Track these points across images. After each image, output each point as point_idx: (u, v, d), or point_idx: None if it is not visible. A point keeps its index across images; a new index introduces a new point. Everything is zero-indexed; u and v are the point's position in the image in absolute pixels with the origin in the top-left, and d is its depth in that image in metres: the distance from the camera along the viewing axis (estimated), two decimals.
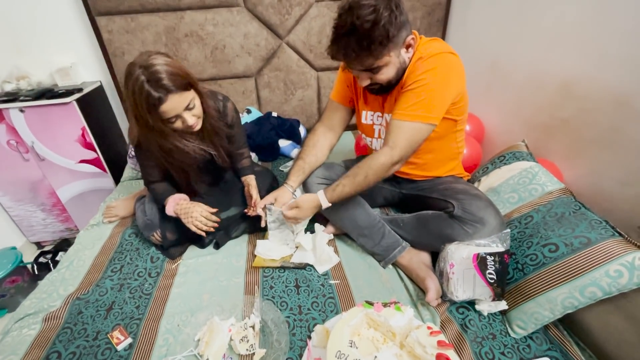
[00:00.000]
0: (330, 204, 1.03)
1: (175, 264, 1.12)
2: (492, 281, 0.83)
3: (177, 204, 1.06)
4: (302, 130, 1.85)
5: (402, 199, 1.24)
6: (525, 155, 1.17)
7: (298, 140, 1.81)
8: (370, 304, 0.79)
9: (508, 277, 0.89)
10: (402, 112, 0.93)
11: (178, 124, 0.94)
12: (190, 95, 0.91)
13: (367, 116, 1.10)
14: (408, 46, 0.89)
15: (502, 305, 0.85)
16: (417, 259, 1.02)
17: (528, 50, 1.33)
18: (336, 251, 1.13)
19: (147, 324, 0.90)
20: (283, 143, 1.77)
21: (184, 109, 0.91)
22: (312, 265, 1.06)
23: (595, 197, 1.10)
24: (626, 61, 0.98)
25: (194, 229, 1.03)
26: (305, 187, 1.19)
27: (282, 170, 1.64)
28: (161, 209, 1.12)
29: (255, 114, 1.86)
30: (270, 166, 1.70)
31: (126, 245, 1.19)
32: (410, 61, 0.92)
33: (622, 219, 0.96)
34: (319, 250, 1.07)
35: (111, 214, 1.34)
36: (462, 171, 1.22)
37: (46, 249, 1.94)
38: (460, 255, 0.86)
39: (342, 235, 1.19)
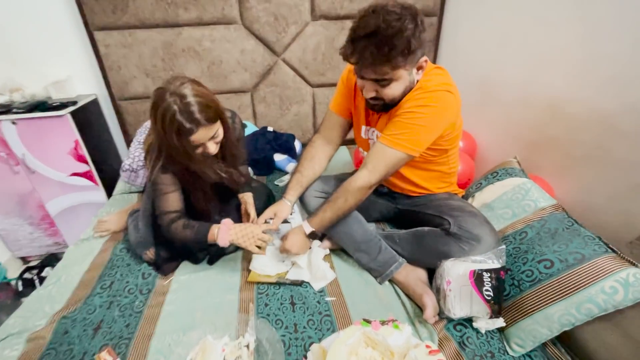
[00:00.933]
0: (313, 229, 1.04)
1: (168, 281, 1.09)
2: (489, 298, 0.83)
3: (230, 229, 0.99)
4: (297, 145, 1.86)
5: (398, 214, 1.25)
6: (517, 171, 1.20)
7: (293, 155, 1.82)
8: (368, 322, 0.78)
9: (504, 293, 0.89)
10: (389, 138, 0.94)
11: (199, 150, 0.94)
12: (217, 126, 0.92)
13: (365, 131, 1.11)
14: (419, 68, 0.89)
15: (500, 322, 0.85)
16: (414, 275, 1.02)
17: (516, 70, 1.38)
18: (332, 267, 1.11)
19: (136, 344, 0.87)
20: (278, 157, 1.77)
21: (209, 138, 0.92)
22: (307, 282, 1.05)
23: (585, 212, 1.12)
24: (610, 82, 1.02)
25: (256, 250, 1.00)
26: (302, 201, 1.18)
27: (278, 185, 1.64)
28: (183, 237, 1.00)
29: (251, 128, 1.86)
30: (265, 180, 1.69)
31: (117, 261, 1.16)
32: (416, 84, 0.92)
33: (612, 235, 0.98)
34: (314, 266, 1.06)
35: (102, 228, 1.31)
36: (457, 188, 1.24)
37: (32, 264, 1.87)
38: (456, 272, 0.86)
39: (338, 250, 1.18)
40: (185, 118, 0.84)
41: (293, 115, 1.94)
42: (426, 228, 1.04)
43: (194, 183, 1.03)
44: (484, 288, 0.83)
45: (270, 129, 1.86)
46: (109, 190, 1.72)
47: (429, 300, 0.90)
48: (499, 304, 0.84)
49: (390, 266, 1.04)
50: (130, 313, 0.97)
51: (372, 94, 0.91)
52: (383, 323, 0.78)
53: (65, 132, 1.58)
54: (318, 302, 0.98)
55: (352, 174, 1.26)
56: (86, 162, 1.67)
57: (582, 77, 1.10)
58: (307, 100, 1.90)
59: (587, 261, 0.80)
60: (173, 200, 1.01)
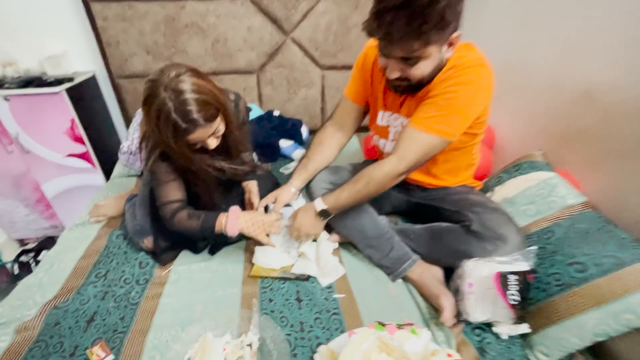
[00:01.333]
0: (325, 207, 0.96)
1: (166, 271, 1.03)
2: (515, 303, 0.76)
3: (239, 217, 0.93)
4: (304, 131, 1.77)
5: (412, 208, 1.17)
6: (542, 165, 1.11)
7: (300, 141, 1.74)
8: (383, 325, 0.71)
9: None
10: (421, 122, 0.85)
11: (198, 146, 0.87)
12: (217, 123, 0.83)
13: (383, 117, 1.02)
14: (450, 44, 0.78)
15: (524, 328, 0.78)
16: (429, 274, 0.95)
17: (546, 53, 1.27)
18: (341, 261, 1.05)
19: (132, 338, 0.82)
20: (284, 143, 1.69)
21: (209, 135, 0.84)
22: (314, 277, 0.98)
23: (618, 212, 1.03)
24: None
25: (266, 240, 0.95)
26: (309, 191, 1.11)
27: (283, 172, 1.56)
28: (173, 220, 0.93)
29: (257, 111, 1.77)
30: (270, 167, 1.61)
31: (113, 248, 1.10)
32: (445, 64, 0.83)
33: None
34: (322, 260, 0.99)
35: (99, 213, 1.25)
36: (474, 181, 1.16)
37: (29, 246, 1.83)
38: (479, 273, 0.79)
39: (347, 243, 1.11)
40: (182, 117, 0.75)
41: (301, 100, 1.84)
42: (444, 224, 0.97)
43: (194, 173, 0.95)
44: (510, 292, 0.76)
45: (276, 113, 1.77)
46: (108, 173, 1.65)
47: (447, 302, 0.83)
48: (524, 309, 0.77)
49: (403, 263, 0.97)
50: (125, 305, 0.91)
51: (397, 74, 0.81)
52: (399, 327, 0.72)
53: (61, 110, 1.50)
54: (326, 299, 0.92)
55: (364, 164, 1.18)
56: (83, 143, 1.60)
57: (622, 61, 1.00)
58: (316, 84, 1.80)
59: (626, 266, 0.72)
60: (174, 189, 0.93)
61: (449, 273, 0.95)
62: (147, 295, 0.94)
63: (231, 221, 0.91)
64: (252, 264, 1.01)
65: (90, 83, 1.67)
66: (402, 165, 0.87)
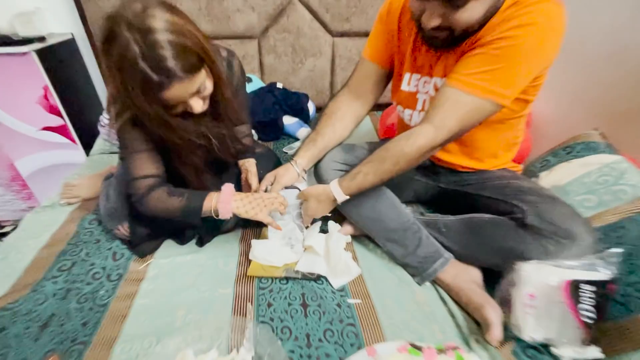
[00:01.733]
0: (347, 197, 0.79)
1: (145, 264, 0.85)
2: (590, 321, 0.58)
3: (235, 195, 0.75)
4: (310, 107, 1.57)
5: (438, 196, 0.98)
6: (602, 146, 0.92)
7: (306, 119, 1.54)
8: (418, 348, 0.54)
9: None
10: (466, 79, 0.66)
11: (179, 109, 0.67)
12: (201, 77, 0.63)
13: (410, 80, 0.82)
14: None
15: (594, 352, 0.60)
16: (466, 277, 0.77)
17: (606, 15, 1.05)
18: (355, 259, 0.87)
19: (93, 352, 0.65)
20: (288, 120, 1.50)
21: (192, 94, 0.64)
22: (324, 277, 0.80)
23: None
24: None
25: (268, 220, 0.77)
26: (319, 173, 0.92)
27: (286, 152, 1.37)
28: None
29: (257, 83, 1.57)
30: (272, 147, 1.42)
31: (84, 236, 0.93)
32: (502, 2, 0.63)
33: None
34: (334, 257, 0.81)
35: (71, 194, 1.07)
36: (514, 164, 0.96)
37: (7, 229, 1.66)
38: (544, 281, 0.61)
39: (362, 236, 0.93)
40: (152, 66, 0.56)
41: (308, 71, 1.63)
42: (486, 215, 0.78)
43: (177, 147, 0.75)
44: (583, 306, 0.58)
45: (279, 85, 1.56)
46: (90, 149, 1.46)
47: (495, 316, 0.65)
48: (599, 329, 0.60)
49: (433, 262, 0.79)
50: (90, 306, 0.74)
51: (436, 22, 0.62)
52: (440, 351, 0.54)
53: (32, 75, 1.30)
54: (338, 304, 0.74)
55: (382, 142, 0.99)
56: (60, 115, 1.40)
57: None
58: (325, 53, 1.59)
59: None
60: (148, 161, 0.74)
61: (487, 275, 0.77)
62: (119, 294, 0.77)
63: (224, 200, 0.73)
64: (250, 261, 0.83)
65: (68, 46, 1.47)
66: (440, 136, 0.69)
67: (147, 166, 0.73)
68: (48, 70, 1.32)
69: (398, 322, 0.71)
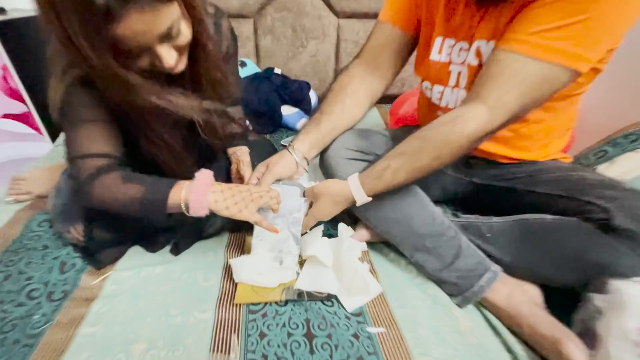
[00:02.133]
0: (369, 200, 0.62)
1: (100, 278, 0.66)
2: None
3: (213, 186, 0.55)
4: (312, 96, 1.40)
5: (470, 194, 0.80)
6: None
7: (307, 109, 1.37)
8: None
9: None
10: (533, 39, 0.49)
11: (144, 62, 0.49)
12: (172, 13, 0.45)
13: (442, 47, 0.65)
14: None
15: None
16: (523, 297, 0.58)
17: None
18: (373, 272, 0.68)
19: None
20: (287, 110, 1.32)
21: (159, 37, 0.46)
22: (334, 297, 0.61)
23: None
24: None
25: (258, 219, 0.57)
26: (326, 163, 0.74)
27: (284, 145, 1.19)
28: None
29: (252, 68, 1.40)
30: (269, 139, 1.24)
31: (29, 241, 0.73)
32: None
33: None
34: (347, 269, 0.62)
35: (19, 190, 0.87)
36: (564, 155, 0.78)
37: None
38: None
39: (381, 243, 0.74)
40: None
41: (309, 56, 1.46)
42: (547, 216, 0.60)
43: (143, 121, 0.56)
44: None
45: (277, 71, 1.39)
46: None
47: (579, 354, 0.47)
48: None
49: (478, 278, 0.60)
50: (17, 338, 0.54)
51: None
52: None
53: None
54: (355, 335, 0.55)
55: (405, 131, 0.82)
56: (22, 100, 1.22)
57: None
58: (329, 36, 1.42)
59: None
60: (99, 135, 0.55)
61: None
62: (59, 320, 0.57)
63: (197, 191, 0.53)
64: (236, 284, 0.63)
65: (34, 23, 1.28)
66: (497, 118, 0.53)
67: (97, 141, 0.54)
68: (8, 50, 1.15)
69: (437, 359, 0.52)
